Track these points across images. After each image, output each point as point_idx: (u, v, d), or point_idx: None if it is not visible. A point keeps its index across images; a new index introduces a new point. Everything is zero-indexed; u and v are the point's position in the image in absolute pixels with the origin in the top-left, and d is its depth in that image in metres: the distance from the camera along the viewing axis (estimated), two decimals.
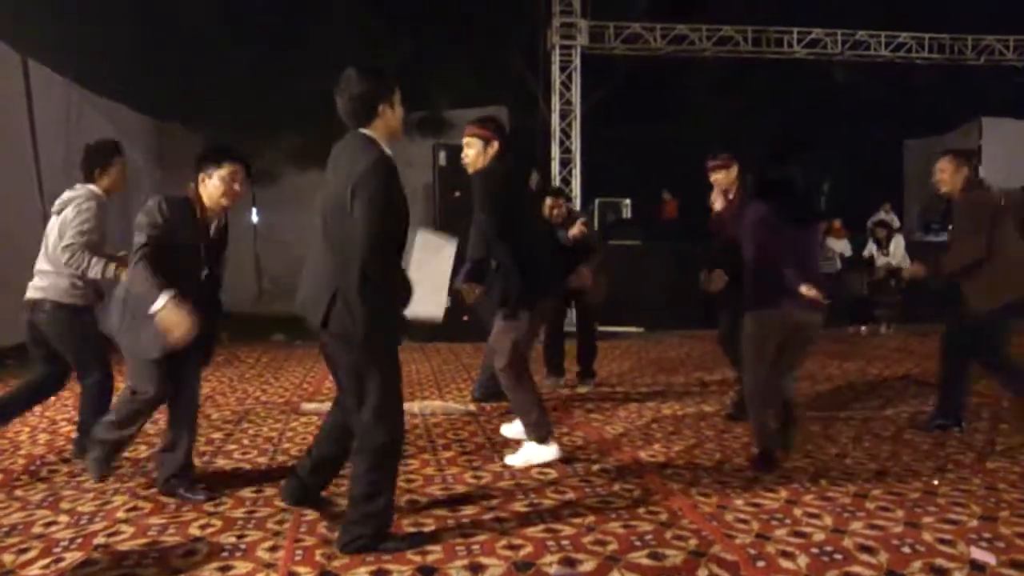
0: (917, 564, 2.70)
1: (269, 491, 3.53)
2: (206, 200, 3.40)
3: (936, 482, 3.64)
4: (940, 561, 2.72)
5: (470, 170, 4.11)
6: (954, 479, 3.70)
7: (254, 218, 14.24)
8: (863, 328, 10.31)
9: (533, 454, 3.98)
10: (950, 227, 4.59)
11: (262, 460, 4.09)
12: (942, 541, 2.91)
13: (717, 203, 5.25)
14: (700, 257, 5.08)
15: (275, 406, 5.61)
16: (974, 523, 3.10)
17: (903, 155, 16.98)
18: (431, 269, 3.20)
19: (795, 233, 3.93)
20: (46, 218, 4.27)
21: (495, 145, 4.05)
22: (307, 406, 5.49)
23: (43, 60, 8.74)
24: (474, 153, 4.08)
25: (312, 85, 13.59)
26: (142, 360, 3.34)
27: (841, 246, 10.76)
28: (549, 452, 3.98)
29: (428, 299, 3.17)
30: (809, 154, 4.52)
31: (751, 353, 4.00)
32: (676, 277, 9.31)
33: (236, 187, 3.44)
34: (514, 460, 3.99)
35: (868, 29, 12.28)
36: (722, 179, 5.21)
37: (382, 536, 2.82)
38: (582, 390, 6.17)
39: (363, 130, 2.82)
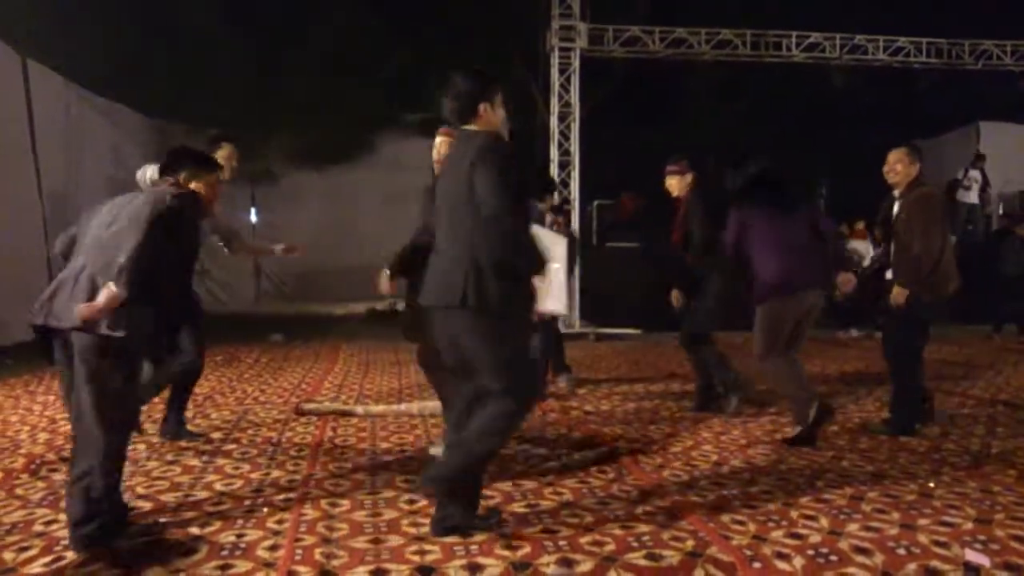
0: (912, 566, 2.72)
1: (268, 491, 3.55)
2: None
3: (932, 484, 3.66)
4: (935, 563, 2.74)
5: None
6: (949, 482, 3.72)
7: (253, 218, 14.25)
8: (853, 331, 10.32)
9: None
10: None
11: (261, 460, 4.11)
12: (937, 543, 2.93)
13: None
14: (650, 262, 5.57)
15: (274, 406, 5.62)
16: (969, 525, 3.12)
17: None
18: (552, 266, 3.28)
19: (783, 220, 4.47)
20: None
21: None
22: (306, 406, 5.50)
23: (42, 60, 8.76)
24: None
25: (312, 85, 13.68)
26: None
27: (863, 247, 10.76)
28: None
29: (553, 294, 3.27)
30: (767, 156, 4.73)
31: (769, 341, 4.46)
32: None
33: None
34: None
35: (866, 33, 12.31)
36: (675, 184, 5.45)
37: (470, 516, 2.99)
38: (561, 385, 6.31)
39: (466, 127, 3.02)
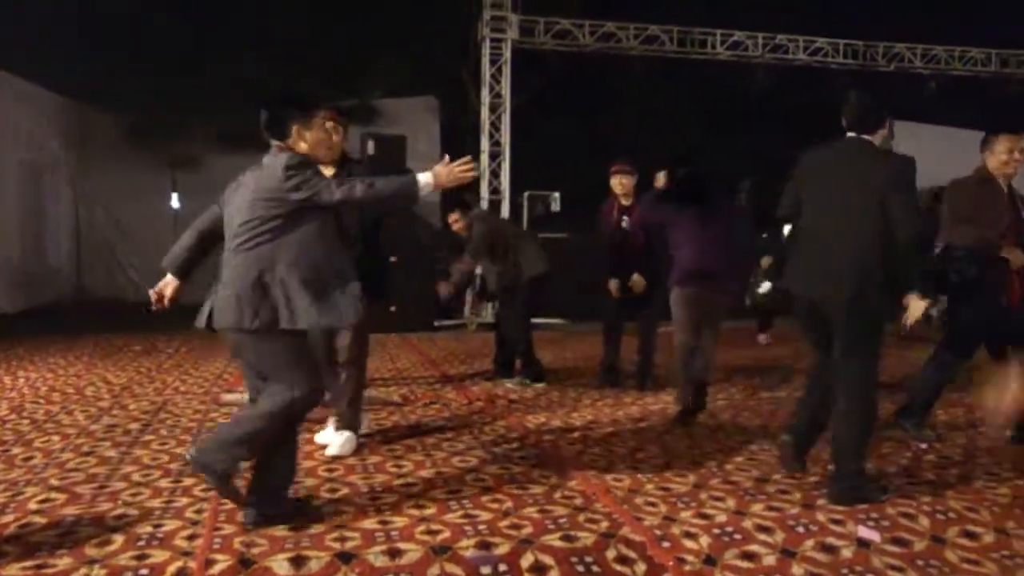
0: (809, 543, 2.89)
1: (188, 481, 3.52)
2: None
3: (832, 467, 3.86)
4: (830, 539, 2.92)
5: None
6: None
7: (175, 204, 13.85)
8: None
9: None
10: None
11: (181, 451, 4.06)
12: (834, 521, 3.12)
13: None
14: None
15: (195, 396, 5.54)
16: (863, 504, 3.32)
17: None
18: None
19: (702, 221, 4.85)
20: None
21: None
22: (227, 396, 5.44)
23: None
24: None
25: (240, 69, 13.36)
26: None
27: None
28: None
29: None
30: (707, 157, 5.24)
31: (681, 325, 4.94)
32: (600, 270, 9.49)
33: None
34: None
35: (788, 33, 12.72)
36: (627, 183, 5.84)
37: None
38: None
39: (866, 136, 3.38)
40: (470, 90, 13.54)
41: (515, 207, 12.80)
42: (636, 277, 5.72)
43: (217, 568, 2.60)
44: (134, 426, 4.60)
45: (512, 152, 12.07)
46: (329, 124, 3.90)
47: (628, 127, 15.11)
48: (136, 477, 3.59)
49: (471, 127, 12.53)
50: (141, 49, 12.94)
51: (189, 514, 3.11)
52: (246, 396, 5.43)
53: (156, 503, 3.24)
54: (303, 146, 3.10)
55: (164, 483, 3.51)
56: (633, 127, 14.99)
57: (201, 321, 3.03)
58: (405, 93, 14.22)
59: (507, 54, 11.88)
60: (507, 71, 11.92)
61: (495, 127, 12.05)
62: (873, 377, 3.37)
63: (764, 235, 8.30)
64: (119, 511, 3.14)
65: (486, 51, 11.84)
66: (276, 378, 2.92)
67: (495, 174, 11.97)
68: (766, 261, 8.52)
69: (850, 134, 3.42)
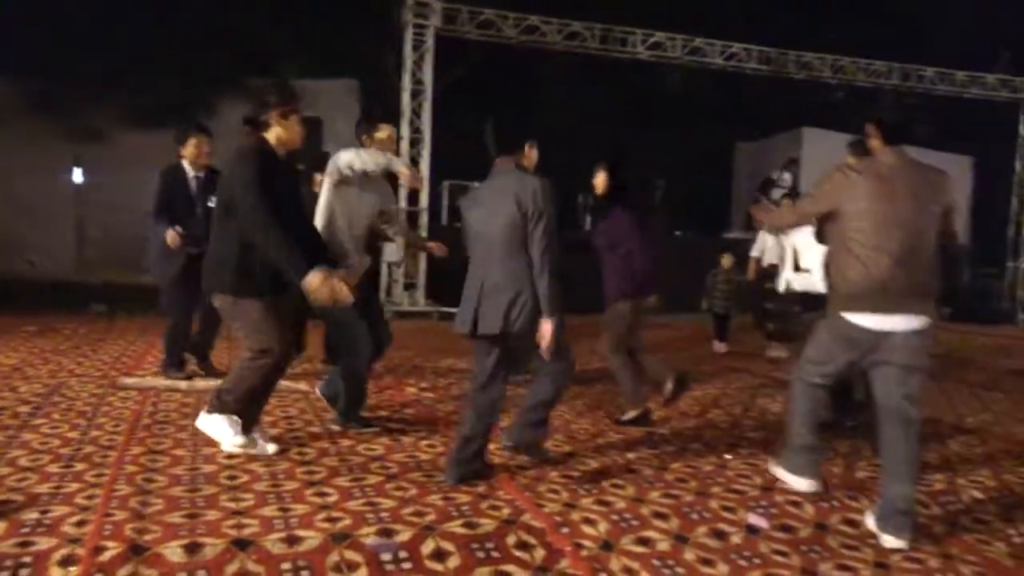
0: (702, 529, 3.01)
1: (79, 466, 3.39)
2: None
3: (728, 456, 4.03)
4: (722, 526, 3.05)
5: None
6: (745, 454, 4.10)
7: (77, 179, 13.23)
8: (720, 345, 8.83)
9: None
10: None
11: (73, 435, 3.90)
12: (726, 508, 3.25)
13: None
14: None
15: (91, 380, 5.32)
16: (755, 493, 3.47)
17: (735, 157, 18.26)
18: None
19: (641, 232, 4.72)
20: None
21: None
22: (126, 380, 5.25)
23: None
24: None
25: (150, 44, 12.83)
26: None
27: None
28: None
29: None
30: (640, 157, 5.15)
31: (614, 338, 4.74)
32: None
33: None
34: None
35: (706, 37, 13.04)
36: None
37: None
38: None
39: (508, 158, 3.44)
40: (392, 75, 13.36)
41: (435, 196, 12.74)
42: None
43: (107, 555, 2.52)
44: (23, 409, 4.39)
45: (433, 140, 12.00)
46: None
47: (550, 121, 15.22)
48: (23, 462, 3.43)
49: (392, 112, 12.36)
50: (46, 16, 12.27)
51: (79, 500, 3.00)
52: (147, 380, 5.29)
53: (44, 488, 3.11)
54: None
55: (54, 468, 3.37)
56: (555, 121, 15.10)
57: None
58: (325, 75, 13.93)
59: (430, 41, 11.78)
60: (430, 58, 11.82)
61: (416, 114, 11.94)
62: None
63: (678, 233, 8.45)
64: (2, 496, 3.00)
65: (409, 37, 11.72)
66: (556, 358, 3.39)
67: (415, 161, 11.86)
68: (727, 260, 8.58)
69: (499, 158, 3.46)
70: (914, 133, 3.46)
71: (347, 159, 4.11)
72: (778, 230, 3.79)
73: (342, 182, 4.14)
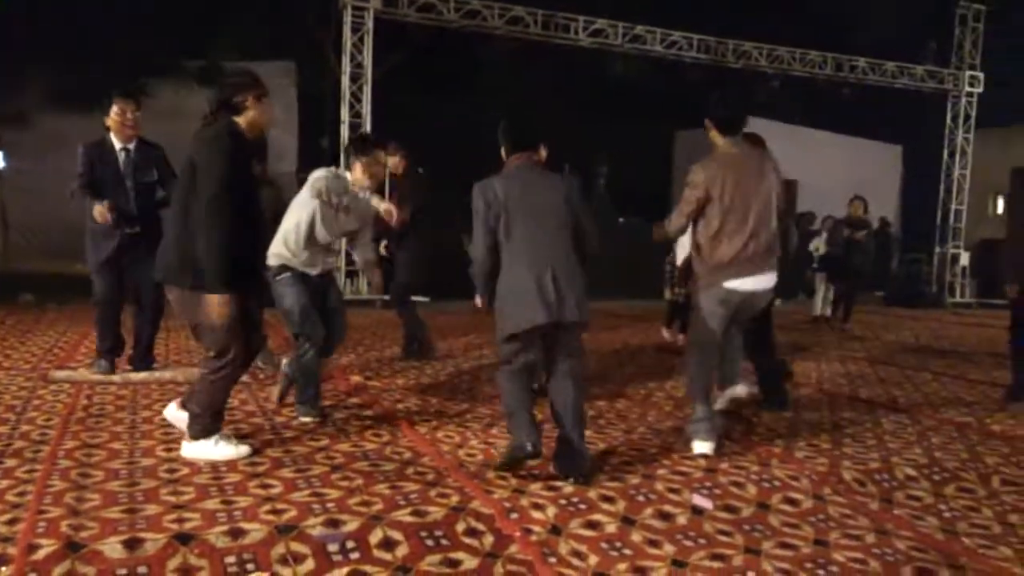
0: (649, 511, 3.05)
1: (9, 462, 3.26)
2: None
3: (672, 440, 4.09)
4: (668, 507, 3.09)
5: None
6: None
7: (0, 163, 12.68)
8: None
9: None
10: None
11: (2, 430, 3.74)
12: (672, 490, 3.30)
13: None
14: None
15: (20, 373, 5.12)
16: (699, 474, 3.53)
17: (675, 145, 18.50)
18: None
19: None
20: None
21: None
22: (58, 374, 5.06)
23: None
24: None
25: (75, 22, 12.32)
26: None
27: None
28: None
29: None
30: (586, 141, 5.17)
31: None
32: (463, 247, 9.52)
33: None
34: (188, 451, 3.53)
35: (647, 25, 13.15)
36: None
37: None
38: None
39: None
40: (331, 58, 13.13)
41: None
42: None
43: (41, 553, 2.43)
44: None
45: (373, 124, 11.84)
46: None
47: (491, 105, 15.18)
48: None
49: (331, 96, 12.16)
50: None
51: (10, 497, 2.88)
52: (79, 372, 5.10)
53: None
54: None
55: None
56: (495, 105, 15.08)
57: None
58: (261, 56, 13.61)
59: (369, 23, 11.59)
60: (369, 41, 11.64)
61: (356, 98, 11.76)
62: None
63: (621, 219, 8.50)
64: None
65: (348, 19, 11.51)
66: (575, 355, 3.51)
67: None
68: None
69: (514, 154, 3.58)
70: (744, 123, 3.93)
71: (318, 187, 4.08)
72: (678, 233, 4.06)
73: (325, 203, 4.14)
